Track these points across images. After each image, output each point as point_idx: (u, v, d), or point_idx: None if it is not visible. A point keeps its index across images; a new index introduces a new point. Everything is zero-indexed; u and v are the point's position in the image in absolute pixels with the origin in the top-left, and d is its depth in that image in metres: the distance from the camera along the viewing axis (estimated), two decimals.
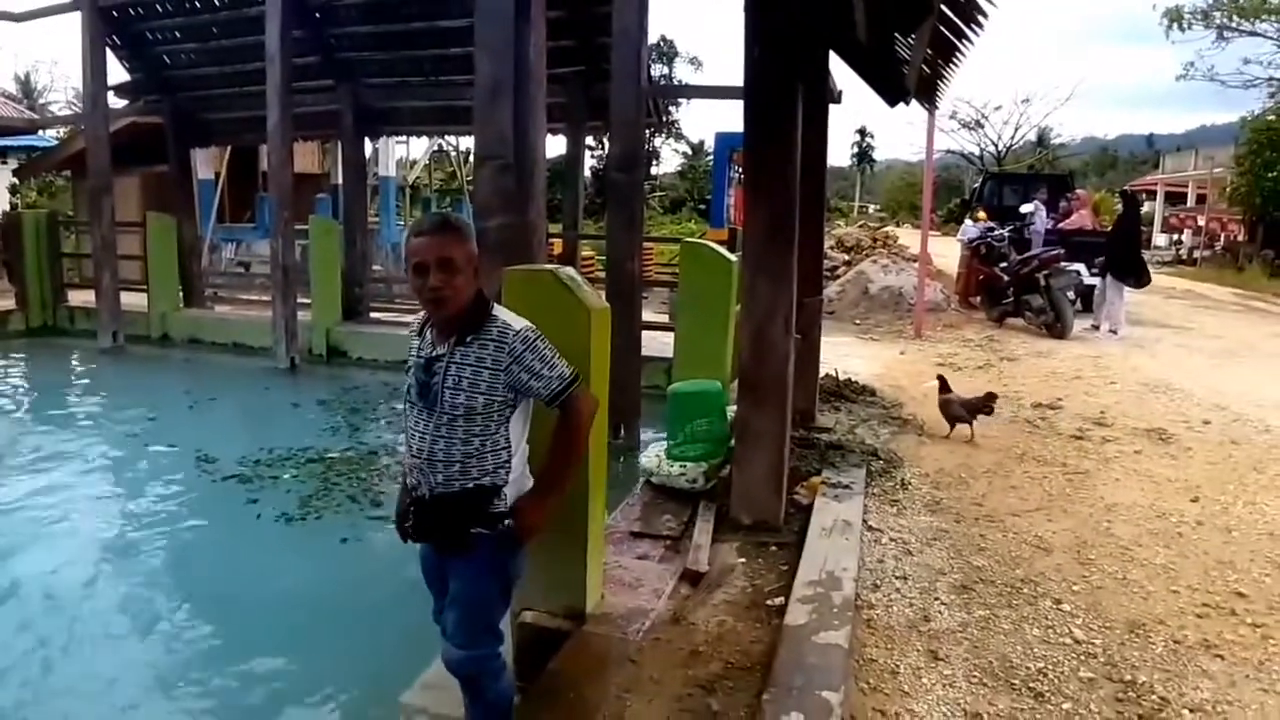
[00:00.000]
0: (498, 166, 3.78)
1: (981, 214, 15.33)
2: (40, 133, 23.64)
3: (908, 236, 19.20)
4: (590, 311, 3.22)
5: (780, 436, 4.55)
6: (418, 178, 28.41)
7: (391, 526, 2.96)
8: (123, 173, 14.06)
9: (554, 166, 12.15)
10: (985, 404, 6.47)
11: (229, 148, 17.73)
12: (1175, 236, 32.43)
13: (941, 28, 5.03)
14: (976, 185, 20.80)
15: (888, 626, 3.61)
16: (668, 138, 42.38)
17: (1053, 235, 14.15)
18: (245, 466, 6.91)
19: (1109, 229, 13.85)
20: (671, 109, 36.37)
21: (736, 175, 14.85)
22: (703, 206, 33.11)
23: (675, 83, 35.92)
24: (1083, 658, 3.40)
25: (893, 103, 7.17)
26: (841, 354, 9.10)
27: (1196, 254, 28.21)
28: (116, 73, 12.63)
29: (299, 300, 10.75)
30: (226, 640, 4.44)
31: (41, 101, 45.61)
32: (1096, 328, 11.96)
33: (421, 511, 2.73)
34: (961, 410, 6.46)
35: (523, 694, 3.09)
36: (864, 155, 64.90)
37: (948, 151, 42.90)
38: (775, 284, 4.46)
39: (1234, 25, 23.98)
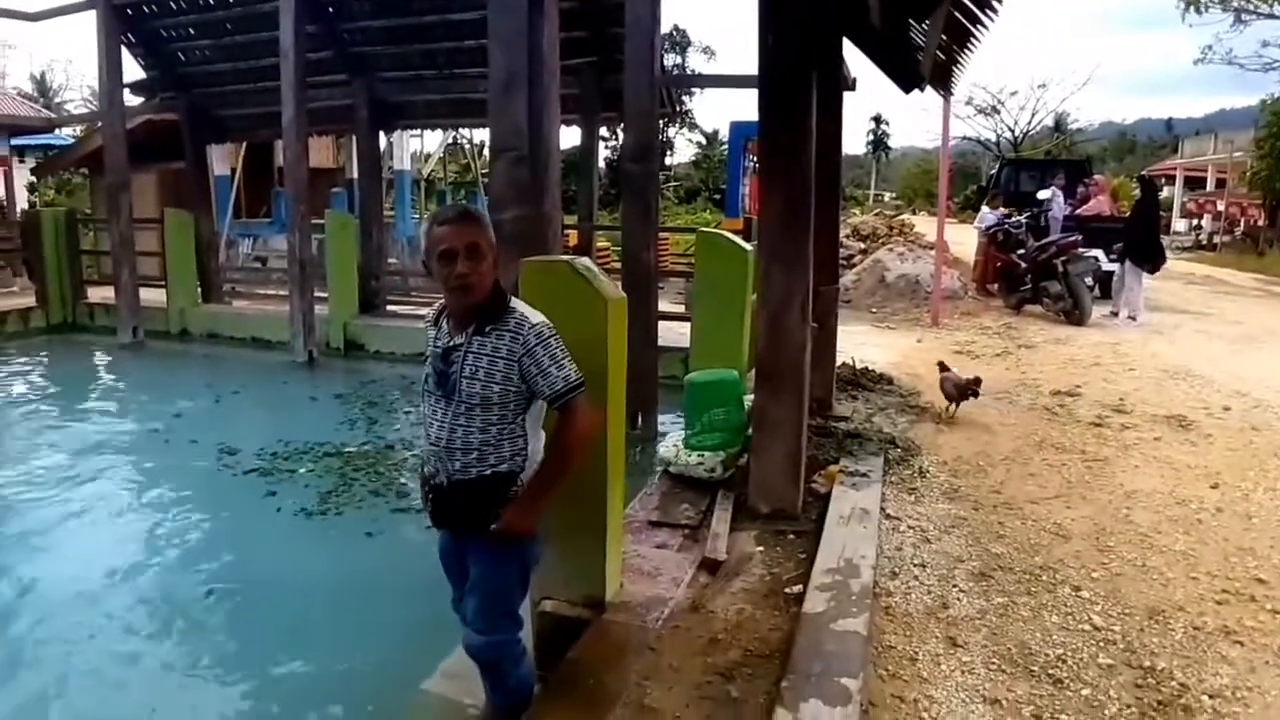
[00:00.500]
0: (513, 159, 3.80)
1: (994, 202, 15.24)
2: (57, 131, 23.82)
3: (924, 224, 19.10)
4: (607, 301, 3.24)
5: (797, 425, 4.56)
6: (432, 171, 28.44)
7: (416, 518, 3.00)
8: (140, 170, 14.14)
9: (568, 158, 12.14)
10: (971, 386, 6.62)
11: (244, 143, 17.79)
12: (1195, 221, 32.17)
13: (956, 13, 5.01)
14: (994, 172, 20.68)
15: (906, 614, 3.61)
16: (682, 127, 42.28)
17: (1070, 221, 14.07)
18: (264, 460, 6.96)
19: (1127, 214, 13.76)
20: (685, 98, 36.32)
21: (752, 164, 14.80)
22: (717, 196, 33.02)
23: (689, 72, 35.77)
24: (1102, 644, 3.40)
25: (908, 89, 7.14)
26: (858, 342, 9.08)
27: (1216, 239, 27.99)
28: (132, 70, 12.71)
29: (316, 294, 10.79)
30: (249, 631, 4.48)
31: (57, 100, 45.96)
32: (1115, 314, 11.89)
33: (439, 498, 2.77)
34: (951, 389, 6.64)
35: (543, 682, 3.13)
36: (879, 142, 64.54)
37: (964, 138, 42.69)
38: (791, 272, 4.46)
39: (1252, 7, 23.66)
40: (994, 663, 3.26)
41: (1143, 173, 22.75)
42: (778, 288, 4.48)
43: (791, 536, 4.30)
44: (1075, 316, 11.33)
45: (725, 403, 5.00)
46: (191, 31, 12.30)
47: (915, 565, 4.07)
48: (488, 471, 2.68)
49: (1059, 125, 45.38)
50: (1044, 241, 12.40)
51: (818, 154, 4.56)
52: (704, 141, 45.48)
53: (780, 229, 4.46)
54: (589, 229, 11.11)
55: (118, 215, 11.91)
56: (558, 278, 3.30)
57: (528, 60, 4.04)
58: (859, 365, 7.84)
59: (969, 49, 6.43)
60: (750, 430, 4.78)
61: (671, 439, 5.19)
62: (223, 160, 17.80)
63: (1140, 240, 11.74)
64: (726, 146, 20.52)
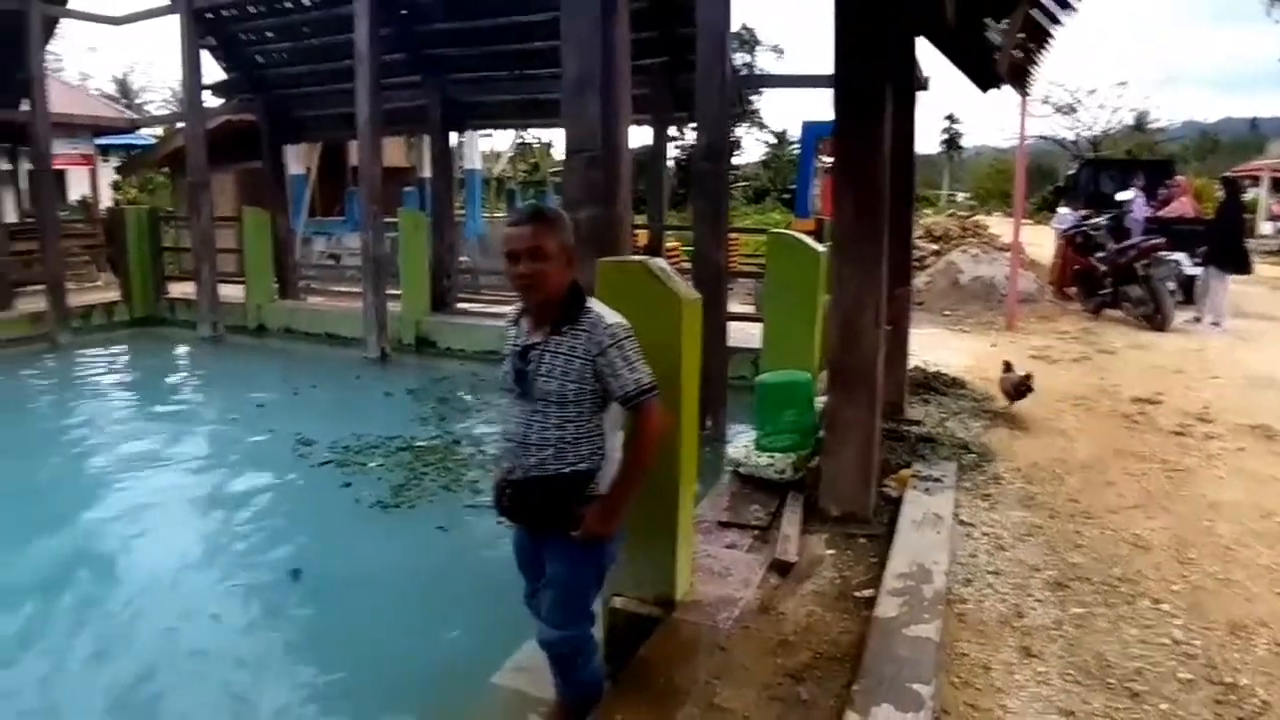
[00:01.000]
0: (586, 160, 3.81)
1: (1073, 204, 14.90)
2: (140, 132, 24.60)
3: (998, 225, 18.71)
4: (682, 302, 3.25)
5: (869, 428, 4.52)
6: (502, 170, 28.76)
7: (488, 514, 3.04)
8: (218, 169, 14.52)
9: (637, 158, 12.17)
10: (1024, 383, 6.74)
11: (319, 144, 18.18)
12: None
13: (1033, 11, 4.92)
14: (1071, 172, 20.19)
15: (980, 622, 3.57)
16: (750, 127, 42.02)
17: (1152, 223, 13.68)
18: (338, 452, 7.12)
19: (1211, 217, 13.33)
20: (754, 98, 36.11)
21: (823, 164, 14.64)
22: (786, 196, 32.77)
23: (757, 71, 35.54)
24: (1182, 658, 3.31)
25: (984, 88, 7.03)
26: (931, 346, 8.95)
27: None
28: (212, 73, 13.08)
29: (388, 292, 10.95)
30: (325, 616, 4.61)
31: (139, 101, 47.33)
32: (1198, 319, 11.51)
33: (514, 493, 2.81)
34: (1008, 387, 6.78)
35: (612, 679, 3.15)
36: (952, 141, 63.34)
37: (1040, 137, 41.61)
38: (864, 274, 4.43)
39: None
40: (1070, 674, 3.20)
41: (1227, 174, 21.99)
42: (851, 289, 4.45)
43: (862, 540, 4.27)
44: (1157, 321, 11.00)
45: (796, 404, 4.98)
46: (270, 35, 12.63)
47: (989, 573, 4.02)
48: (565, 469, 2.71)
49: (1139, 124, 44.04)
50: (1125, 244, 12.05)
51: (891, 154, 4.51)
52: (773, 141, 45.16)
53: (854, 230, 4.43)
54: (659, 229, 11.12)
55: (198, 213, 12.27)
56: (633, 278, 3.32)
57: (600, 62, 4.07)
58: (932, 369, 7.73)
59: (1047, 47, 6.30)
60: (821, 432, 4.75)
61: (742, 440, 5.19)
62: (298, 160, 18.18)
63: (1224, 243, 11.36)
64: (796, 146, 20.32)
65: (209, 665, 4.13)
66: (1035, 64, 7.01)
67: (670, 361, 3.19)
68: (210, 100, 13.41)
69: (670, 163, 24.60)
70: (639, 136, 11.02)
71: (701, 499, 4.60)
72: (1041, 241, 15.62)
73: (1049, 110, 40.26)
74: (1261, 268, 13.95)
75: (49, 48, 12.64)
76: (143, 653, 4.23)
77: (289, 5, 11.77)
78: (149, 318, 13.45)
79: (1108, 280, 11.85)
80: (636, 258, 3.50)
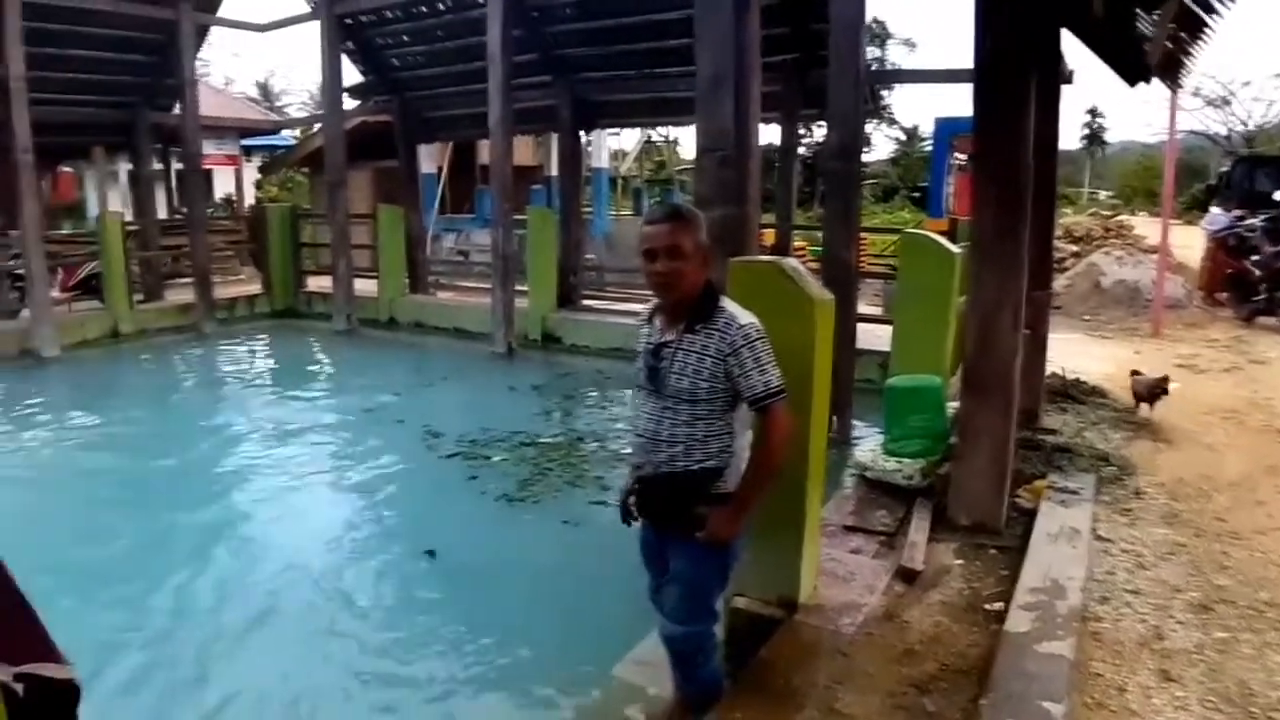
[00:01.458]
0: (718, 159, 3.82)
1: (1226, 204, 14.08)
2: (281, 133, 25.82)
3: (1144, 225, 17.84)
4: (815, 303, 3.22)
5: (1004, 436, 4.38)
6: (628, 169, 29.01)
7: (613, 510, 3.08)
8: (354, 168, 15.10)
9: (765, 155, 12.10)
10: (1160, 385, 6.58)
11: (451, 143, 18.68)
12: None
13: (1187, 1, 4.66)
14: (1224, 170, 19.08)
15: (1116, 642, 3.41)
16: (880, 123, 41.14)
17: None
18: (464, 445, 7.31)
19: None
20: (885, 93, 35.36)
21: (958, 162, 14.23)
22: (915, 194, 32.01)
23: (888, 66, 34.81)
24: None
25: (1132, 82, 6.71)
26: (1070, 352, 8.59)
27: None
28: (350, 76, 13.60)
29: (516, 288, 11.16)
30: (453, 603, 4.75)
31: (279, 104, 49.53)
32: None
33: (645, 489, 2.86)
34: (1142, 389, 6.63)
35: (732, 678, 3.15)
36: (1095, 137, 60.36)
37: (1190, 132, 39.34)
38: (1003, 276, 4.29)
39: None
40: (1210, 700, 3.03)
41: None
42: (989, 292, 4.32)
43: (993, 551, 4.15)
44: None
45: (926, 409, 4.86)
46: (405, 38, 13.04)
47: (1128, 591, 3.84)
48: (694, 466, 2.73)
49: None
50: None
51: (1033, 152, 4.36)
52: (903, 138, 44.12)
53: (993, 231, 4.30)
54: (786, 228, 11.01)
55: (335, 211, 12.79)
56: (765, 278, 3.30)
57: (734, 61, 4.06)
58: (1070, 376, 7.43)
59: (1202, 39, 5.97)
60: (952, 439, 4.63)
61: (869, 444, 5.10)
62: (430, 159, 18.74)
63: None
64: (927, 143, 19.78)
65: (341, 643, 4.30)
66: (1189, 57, 6.65)
67: (802, 363, 3.16)
68: (348, 102, 13.95)
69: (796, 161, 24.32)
70: (766, 134, 10.93)
71: (826, 502, 4.55)
72: (1190, 243, 14.81)
73: (1199, 103, 38.00)
74: None
75: (199, 54, 13.36)
76: (269, 627, 4.46)
77: (424, 10, 12.11)
78: (287, 310, 14.08)
79: (1263, 286, 11.16)
80: (769, 258, 3.49)
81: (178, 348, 11.91)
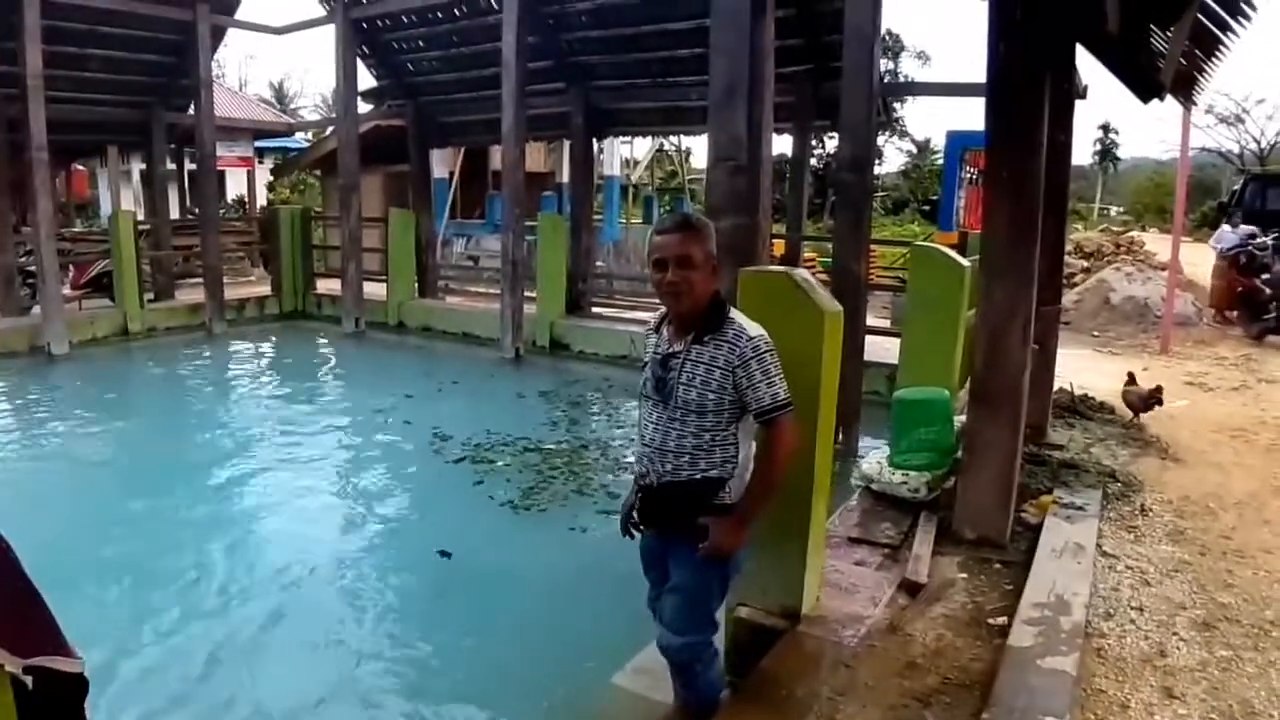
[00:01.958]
0: (731, 168, 3.84)
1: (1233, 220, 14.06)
2: (293, 135, 25.93)
3: (1155, 242, 17.81)
4: (824, 314, 3.22)
5: (1011, 450, 4.37)
6: (639, 177, 29.03)
7: (616, 519, 3.08)
8: (366, 171, 15.15)
9: (775, 166, 12.12)
10: (1154, 395, 6.75)
11: (462, 148, 18.73)
12: None
13: (1203, 18, 4.66)
14: (1236, 188, 19.04)
15: (1119, 658, 3.40)
16: (892, 136, 41.10)
17: None
18: (470, 450, 7.31)
19: None
20: (896, 106, 35.34)
21: (969, 176, 14.20)
22: (926, 208, 31.96)
23: (901, 78, 34.77)
24: None
25: (1146, 99, 6.69)
26: (1078, 367, 8.54)
27: None
28: (364, 79, 13.66)
29: (525, 294, 11.20)
30: (456, 607, 4.76)
31: (292, 106, 49.74)
32: None
33: (648, 498, 2.85)
34: (1135, 400, 6.78)
35: (733, 688, 3.14)
36: (1106, 153, 60.21)
37: (1203, 149, 39.28)
38: (1014, 290, 4.28)
39: None
40: (1213, 718, 3.02)
41: None
42: (999, 306, 4.31)
43: (997, 566, 4.14)
44: None
45: (934, 422, 4.85)
46: (421, 43, 13.12)
47: (1132, 608, 3.82)
48: (698, 476, 2.74)
49: None
50: None
51: (1045, 166, 4.36)
52: (914, 150, 44.07)
53: (1004, 245, 4.29)
54: (797, 239, 11.01)
55: (348, 213, 12.82)
56: (775, 288, 3.30)
57: (748, 71, 4.07)
58: (1078, 391, 7.41)
59: (1217, 57, 5.96)
60: (959, 452, 4.62)
61: (875, 456, 5.09)
62: (441, 164, 18.76)
63: None
64: (939, 156, 19.71)
65: (340, 647, 4.31)
66: (1203, 74, 6.65)
67: (810, 374, 3.17)
68: (362, 106, 14.00)
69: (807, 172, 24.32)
70: (777, 145, 10.93)
71: (831, 513, 4.54)
72: (1201, 261, 14.77)
73: (1212, 121, 38.02)
74: None
75: (215, 56, 13.46)
76: (283, 623, 4.50)
77: (439, 15, 12.17)
78: (296, 311, 14.14)
79: (1273, 304, 11.13)
80: (779, 268, 3.49)
81: (187, 347, 11.96)
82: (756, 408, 2.67)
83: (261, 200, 24.01)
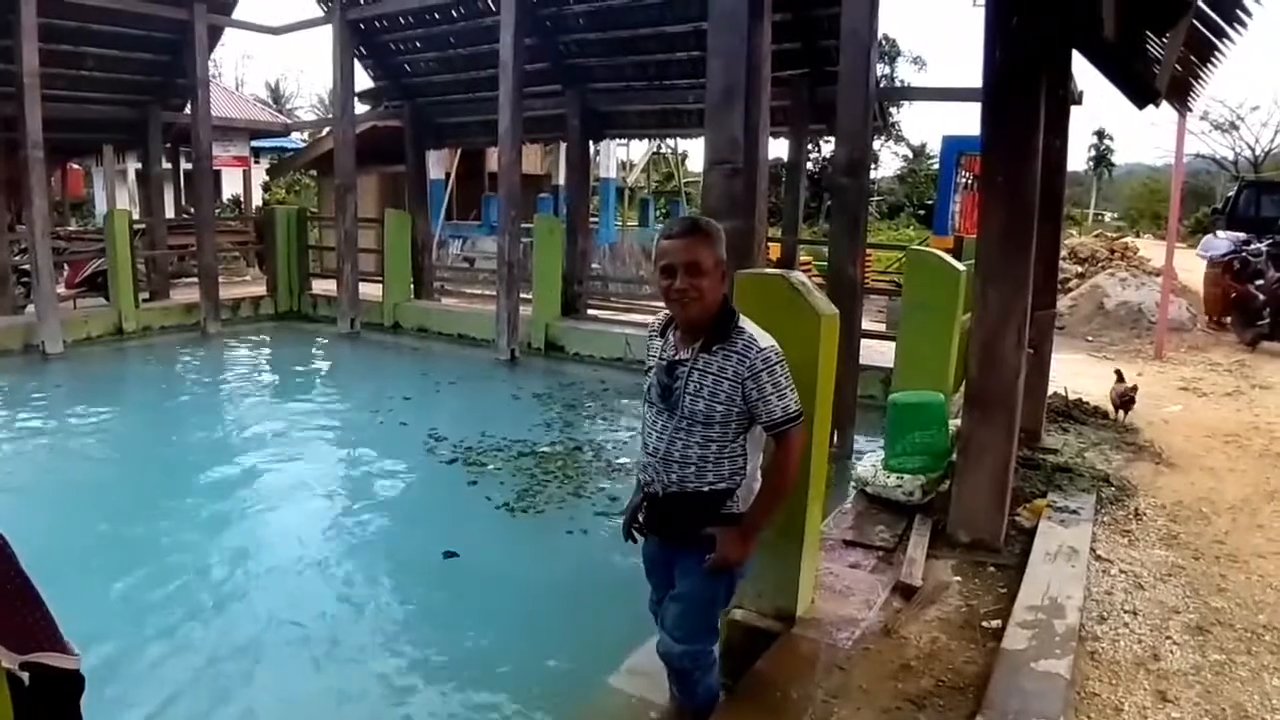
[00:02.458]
0: (728, 171, 3.84)
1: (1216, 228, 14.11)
2: (289, 135, 25.90)
3: (1149, 248, 17.85)
4: (821, 317, 3.22)
5: (1005, 454, 4.38)
6: (636, 180, 29.05)
7: (614, 523, 3.07)
8: (362, 172, 15.13)
9: (772, 170, 12.13)
10: (1128, 394, 7.07)
11: (458, 150, 18.72)
12: None
13: (1198, 25, 4.68)
14: (1230, 194, 19.08)
15: (1113, 661, 3.42)
16: (887, 140, 41.19)
17: None
18: (463, 452, 7.30)
19: None
20: (892, 110, 35.43)
21: (964, 181, 14.25)
22: (921, 212, 32.05)
23: (897, 83, 34.86)
24: None
25: (1141, 105, 6.74)
26: (1072, 372, 8.59)
27: None
28: (361, 80, 13.61)
29: (521, 295, 11.18)
30: (452, 608, 4.76)
31: (289, 107, 49.65)
32: None
33: (653, 508, 2.82)
34: (1115, 397, 7.09)
35: (727, 690, 3.14)
36: (1102, 159, 60.34)
37: (1197, 155, 39.38)
38: (1009, 294, 4.29)
39: None
40: None
41: None
42: (994, 310, 4.32)
43: (992, 569, 4.15)
44: None
45: (929, 425, 4.86)
46: (418, 44, 13.10)
47: (1126, 612, 3.84)
48: (704, 487, 2.69)
49: None
50: None
51: (1041, 171, 4.37)
52: (910, 155, 44.16)
53: (999, 249, 4.30)
54: (792, 242, 11.02)
55: (344, 214, 12.80)
56: (772, 291, 3.30)
57: (745, 74, 4.08)
58: (1072, 396, 7.44)
59: (1212, 64, 6.00)
60: (954, 456, 4.63)
61: (870, 459, 5.10)
62: (438, 165, 18.76)
63: None
64: (934, 161, 19.79)
65: (337, 647, 4.30)
66: (1198, 81, 6.69)
67: (806, 377, 3.16)
68: (359, 107, 13.96)
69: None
70: (773, 149, 10.96)
71: (826, 516, 4.55)
72: (1196, 267, 14.82)
73: (1207, 127, 38.08)
74: None
75: (211, 55, 13.44)
76: (264, 625, 4.48)
77: (437, 16, 12.17)
78: (292, 312, 14.09)
79: (1266, 310, 11.15)
80: (776, 270, 3.49)
81: (181, 347, 11.93)
82: (767, 420, 2.62)
83: (257, 200, 23.98)
